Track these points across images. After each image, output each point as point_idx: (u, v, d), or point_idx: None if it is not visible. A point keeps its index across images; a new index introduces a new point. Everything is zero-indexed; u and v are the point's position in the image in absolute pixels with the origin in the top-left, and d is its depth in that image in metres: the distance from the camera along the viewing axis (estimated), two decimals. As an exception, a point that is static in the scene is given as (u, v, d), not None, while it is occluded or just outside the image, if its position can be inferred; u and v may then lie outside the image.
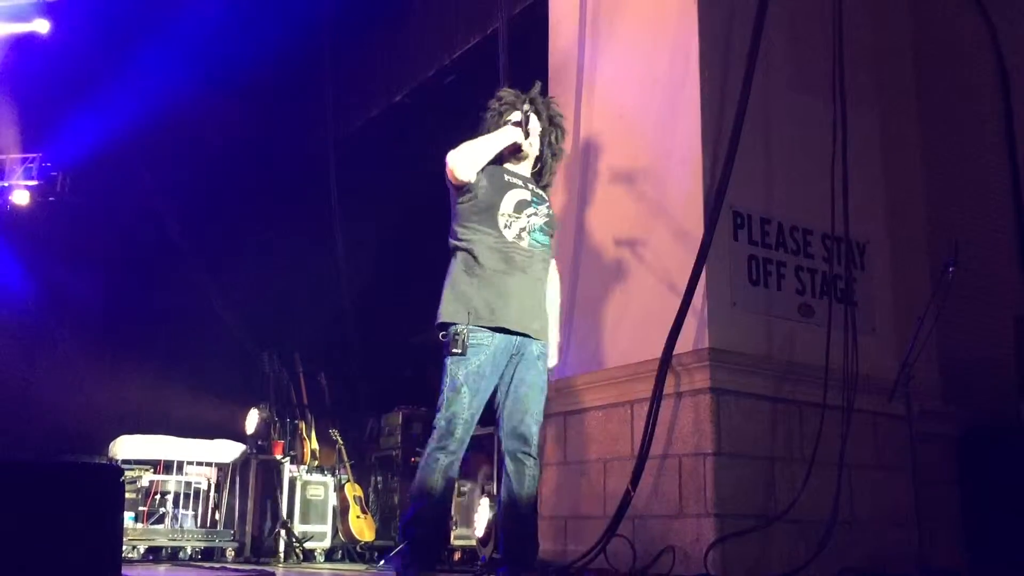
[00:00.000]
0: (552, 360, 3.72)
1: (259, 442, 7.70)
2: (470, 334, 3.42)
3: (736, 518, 4.31)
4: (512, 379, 3.54)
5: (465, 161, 3.55)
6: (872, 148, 5.47)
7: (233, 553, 7.35)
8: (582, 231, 5.40)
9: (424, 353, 8.78)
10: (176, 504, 7.31)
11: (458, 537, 6.29)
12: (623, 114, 5.30)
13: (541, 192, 3.78)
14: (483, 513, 5.02)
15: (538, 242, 3.62)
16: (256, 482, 7.40)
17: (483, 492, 5.60)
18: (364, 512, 7.61)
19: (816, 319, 4.85)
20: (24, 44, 8.01)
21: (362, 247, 8.74)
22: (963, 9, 6.63)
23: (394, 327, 8.61)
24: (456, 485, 6.52)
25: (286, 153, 9.38)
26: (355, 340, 8.94)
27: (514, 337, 3.51)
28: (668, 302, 4.58)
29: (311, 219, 9.20)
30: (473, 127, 7.68)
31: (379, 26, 8.91)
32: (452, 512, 3.73)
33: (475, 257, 3.52)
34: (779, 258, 4.85)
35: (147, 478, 7.27)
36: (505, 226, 3.56)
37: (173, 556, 7.35)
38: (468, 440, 3.49)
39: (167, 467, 7.43)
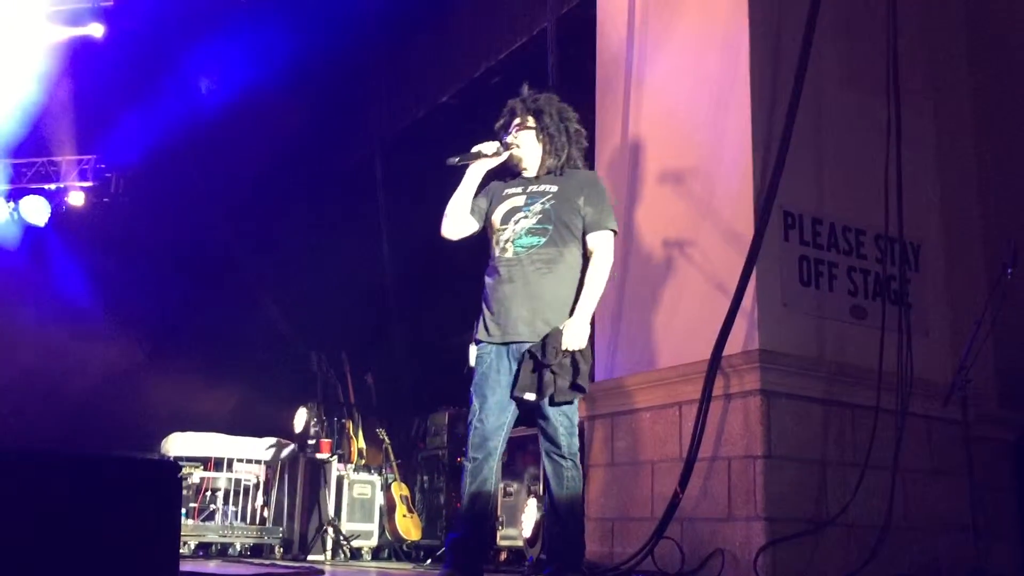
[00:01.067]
0: (569, 341, 3.43)
1: (307, 441, 7.77)
2: (477, 348, 3.63)
3: (786, 522, 4.25)
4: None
5: (443, 223, 3.77)
6: (927, 147, 5.39)
7: (281, 550, 7.44)
8: (631, 231, 5.37)
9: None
10: (226, 501, 7.41)
11: (504, 537, 6.30)
12: (672, 113, 5.27)
13: (545, 186, 3.71)
14: (530, 514, 5.02)
15: (523, 247, 3.60)
16: (304, 480, 7.47)
17: (530, 493, 5.59)
18: (410, 511, 7.65)
19: (869, 321, 4.78)
20: (79, 48, 8.16)
21: (408, 247, 8.79)
22: (1018, 5, 6.49)
23: (440, 327, 8.65)
24: (502, 487, 6.57)
25: (334, 154, 9.47)
26: (401, 340, 9.00)
27: (513, 345, 3.55)
28: (717, 303, 4.55)
29: (358, 220, 9.28)
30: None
31: (427, 27, 8.96)
32: (497, 513, 3.68)
33: (486, 279, 3.72)
34: (831, 259, 4.79)
35: (198, 475, 7.38)
36: (496, 242, 3.69)
37: (222, 552, 7.45)
38: (490, 445, 3.51)
39: (217, 464, 7.53)
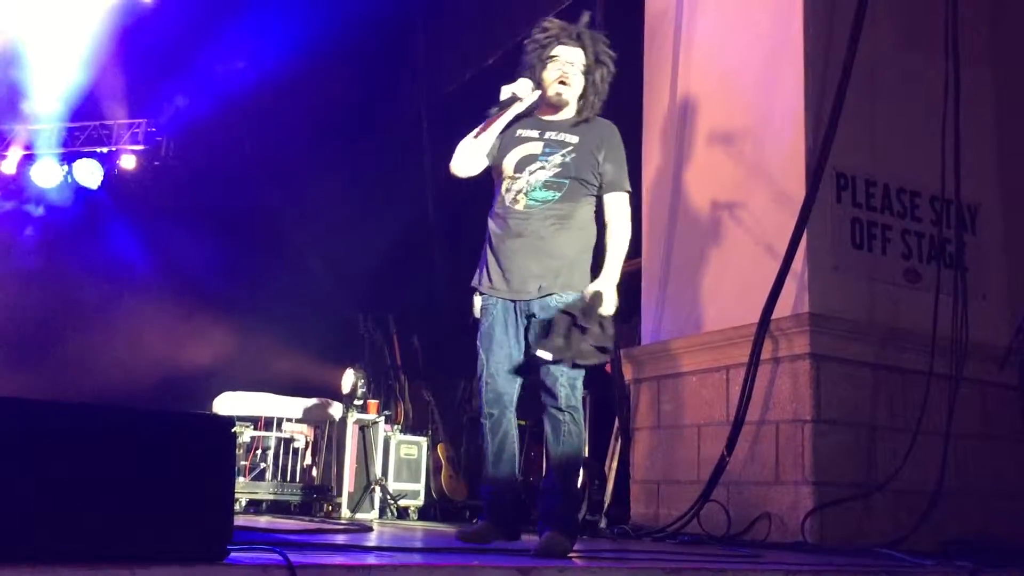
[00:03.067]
0: (604, 306, 3.29)
1: (354, 401, 7.86)
2: (482, 299, 3.48)
3: (835, 487, 4.23)
4: (534, 336, 3.36)
5: (455, 162, 3.54)
6: (985, 108, 5.24)
7: (330, 508, 7.56)
8: (679, 193, 5.32)
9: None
10: (275, 460, 7.54)
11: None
12: (722, 73, 5.19)
13: (564, 136, 3.46)
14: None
15: (537, 201, 3.38)
16: (352, 440, 7.56)
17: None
18: (456, 472, 7.72)
19: (923, 284, 4.69)
20: (131, 12, 8.24)
21: (455, 210, 8.80)
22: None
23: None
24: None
25: (381, 117, 9.47)
26: (447, 303, 9.04)
27: (521, 302, 3.39)
28: (767, 266, 4.50)
29: (405, 183, 9.30)
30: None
31: (471, -13, 8.89)
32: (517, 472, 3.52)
33: (489, 224, 3.53)
34: (884, 221, 4.70)
35: (248, 434, 7.51)
36: (506, 190, 3.45)
37: (272, 510, 7.59)
38: (505, 399, 3.42)
39: (266, 424, 7.65)
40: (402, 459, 7.66)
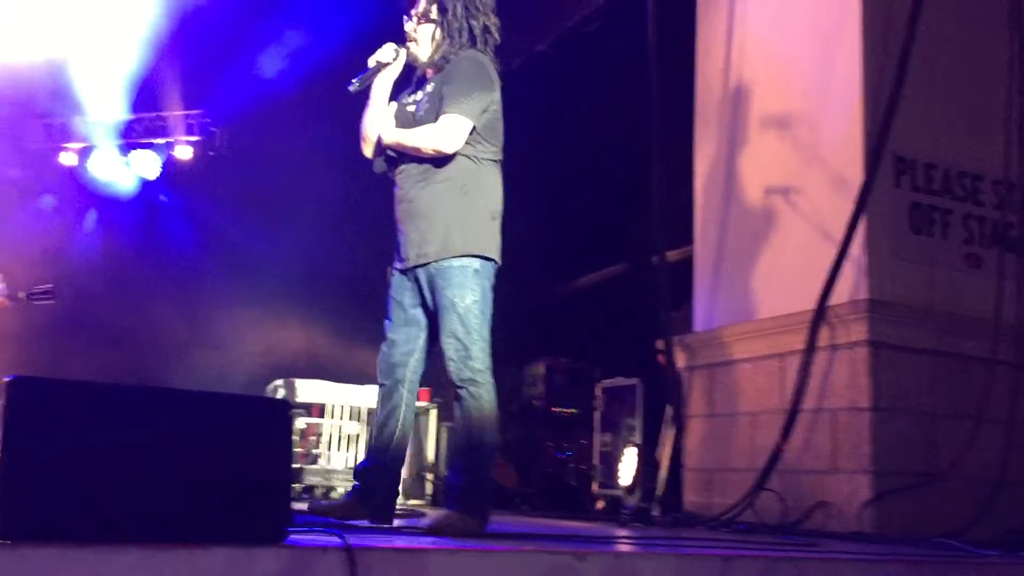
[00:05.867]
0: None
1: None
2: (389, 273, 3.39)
3: (894, 475, 4.16)
4: (431, 310, 3.25)
5: (362, 145, 3.44)
6: (1051, 88, 5.09)
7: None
8: (731, 179, 5.26)
9: (566, 303, 8.83)
10: (329, 446, 7.61)
11: (602, 486, 6.33)
12: (777, 58, 5.11)
13: (430, 84, 3.32)
14: (628, 463, 5.02)
15: (406, 161, 3.27)
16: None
17: (627, 443, 5.60)
18: (506, 460, 7.74)
19: (984, 270, 4.58)
20: (186, 5, 8.34)
21: (504, 197, 8.78)
22: None
23: (537, 278, 8.66)
24: (598, 439, 6.57)
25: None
26: (497, 291, 9.04)
27: (408, 272, 3.27)
28: (823, 252, 4.43)
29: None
30: (614, 79, 7.50)
31: (522, -26, 8.84)
32: (401, 452, 3.29)
33: None
34: (945, 205, 4.60)
35: (302, 421, 7.59)
36: (397, 162, 3.33)
37: (326, 495, 7.68)
38: (399, 373, 3.30)
39: (320, 411, 7.73)
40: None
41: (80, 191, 9.21)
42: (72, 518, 1.82)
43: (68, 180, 9.17)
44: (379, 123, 3.37)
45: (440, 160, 3.18)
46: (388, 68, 3.36)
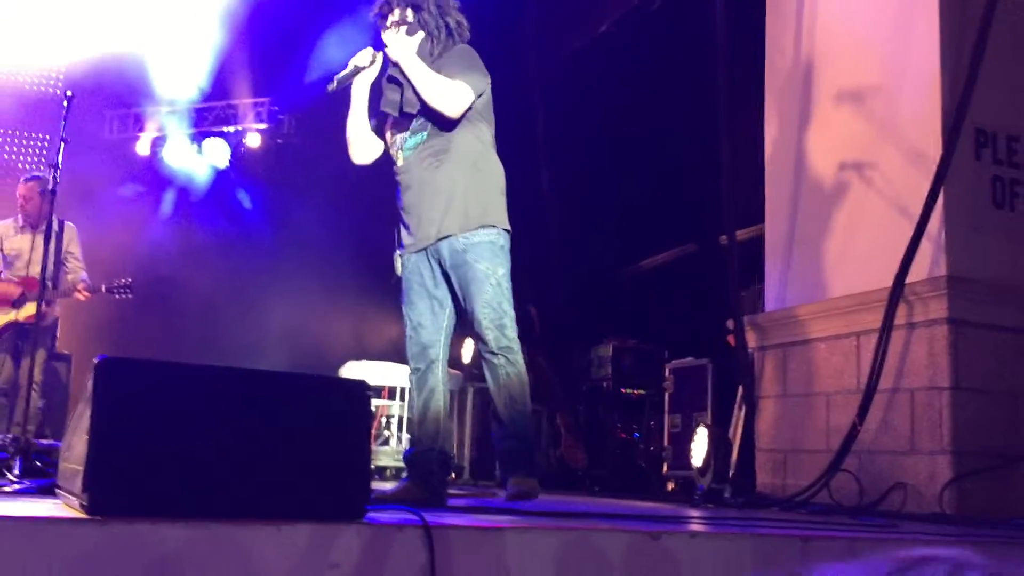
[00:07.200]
0: (392, 52, 3.35)
1: (474, 371, 7.95)
2: (400, 259, 3.46)
3: (975, 456, 4.06)
4: (456, 286, 3.33)
5: (349, 150, 3.57)
6: None
7: (453, 475, 7.70)
8: (802, 156, 5.16)
9: (633, 283, 8.78)
10: (399, 428, 7.71)
11: (672, 468, 6.30)
12: (851, 30, 4.98)
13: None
14: (700, 443, 4.98)
15: (411, 148, 3.38)
16: (473, 409, 7.67)
17: (698, 423, 5.56)
18: (576, 441, 7.74)
19: (1070, 245, 4.43)
20: (253, -6, 8.47)
21: (569, 177, 8.75)
22: None
23: (602, 258, 8.62)
24: (667, 420, 6.53)
25: (492, 85, 9.46)
26: (563, 272, 9.03)
27: (429, 248, 3.34)
28: (900, 228, 4.32)
29: (518, 150, 9.28)
30: (679, 58, 7.40)
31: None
32: (447, 434, 3.34)
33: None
34: (1028, 179, 4.45)
35: (373, 403, 7.70)
36: (393, 156, 3.48)
37: (397, 476, 7.78)
38: (431, 353, 3.35)
39: (390, 393, 7.82)
40: (522, 428, 7.73)
41: (155, 179, 9.42)
42: (158, 495, 1.87)
43: (144, 169, 9.39)
44: (360, 126, 3.51)
45: (447, 143, 3.33)
46: (365, 72, 3.49)
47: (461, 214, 3.29)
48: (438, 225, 3.30)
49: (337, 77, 3.44)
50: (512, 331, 3.27)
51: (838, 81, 4.99)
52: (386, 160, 3.59)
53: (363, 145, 3.54)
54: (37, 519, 1.79)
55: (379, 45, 3.49)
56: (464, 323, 3.41)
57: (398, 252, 3.49)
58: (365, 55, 3.47)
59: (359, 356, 7.79)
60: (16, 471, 3.61)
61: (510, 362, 3.24)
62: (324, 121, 9.20)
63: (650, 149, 8.02)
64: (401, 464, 7.62)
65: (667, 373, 6.65)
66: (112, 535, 1.74)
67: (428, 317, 3.37)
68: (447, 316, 3.39)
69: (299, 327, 8.48)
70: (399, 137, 3.43)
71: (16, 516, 1.78)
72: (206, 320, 8.66)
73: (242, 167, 9.49)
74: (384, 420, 7.73)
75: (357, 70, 3.46)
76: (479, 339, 3.28)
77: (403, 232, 3.47)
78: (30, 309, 5.74)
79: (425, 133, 3.37)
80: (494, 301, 3.25)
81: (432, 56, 3.44)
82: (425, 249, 3.36)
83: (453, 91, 3.30)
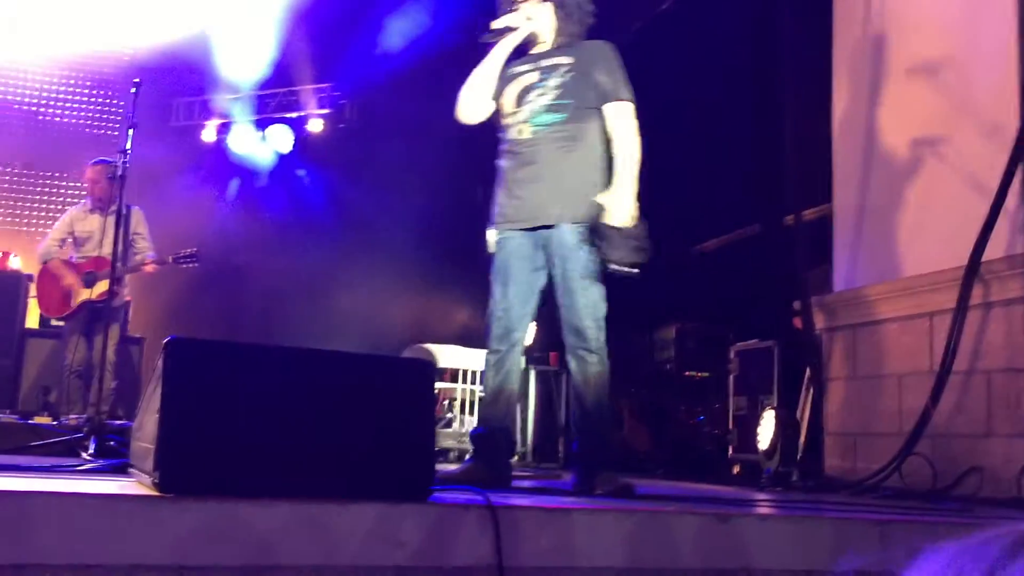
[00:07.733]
0: (615, 217, 3.23)
1: (535, 354, 7.94)
2: (497, 233, 3.37)
3: (1055, 440, 3.92)
4: (558, 275, 3.26)
5: (460, 104, 3.49)
6: None
7: (516, 458, 7.71)
8: (872, 131, 5.02)
9: (696, 266, 8.66)
10: (462, 410, 7.73)
11: (737, 451, 6.22)
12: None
13: (558, 59, 3.40)
14: (767, 427, 4.90)
15: (543, 124, 3.30)
16: (536, 391, 7.65)
17: (765, 406, 5.48)
18: (639, 423, 7.69)
19: None
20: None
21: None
22: None
23: (666, 240, 8.52)
24: (732, 402, 6.45)
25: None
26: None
27: (534, 232, 3.29)
28: (975, 205, 4.18)
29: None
30: (745, 31, 7.28)
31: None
32: (514, 417, 3.30)
33: (500, 164, 3.45)
34: (1113, 151, 4.26)
35: (436, 385, 7.74)
36: (511, 125, 3.40)
37: (459, 458, 7.82)
38: (515, 336, 3.30)
39: (452, 376, 7.85)
40: (584, 410, 7.70)
41: (221, 166, 9.57)
42: (227, 473, 1.89)
43: (210, 155, 9.55)
44: (487, 84, 3.45)
45: (581, 131, 3.31)
46: (513, 34, 3.46)
47: (581, 205, 3.25)
48: (557, 210, 3.26)
49: (492, 32, 3.46)
50: (605, 332, 3.26)
51: (909, 54, 4.84)
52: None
53: (480, 104, 3.48)
54: (111, 496, 1.82)
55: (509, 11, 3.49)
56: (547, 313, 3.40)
57: (493, 227, 3.43)
58: (519, 17, 3.46)
59: (422, 339, 7.82)
60: (91, 451, 3.70)
61: (602, 362, 3.22)
62: (385, 106, 9.27)
63: (714, 129, 7.89)
64: (464, 446, 7.67)
65: (732, 355, 6.56)
66: (184, 512, 1.76)
67: (519, 300, 3.33)
68: (535, 302, 3.37)
69: (362, 310, 8.55)
70: (529, 108, 3.36)
71: (91, 493, 1.82)
72: (271, 304, 8.79)
73: (305, 153, 9.59)
74: (447, 403, 7.76)
75: (509, 30, 3.46)
76: (576, 333, 3.22)
77: (508, 205, 3.38)
78: (102, 287, 5.86)
79: (564, 115, 3.32)
80: (598, 299, 3.25)
81: (565, 35, 3.45)
82: (534, 230, 3.32)
83: (633, 125, 3.38)
